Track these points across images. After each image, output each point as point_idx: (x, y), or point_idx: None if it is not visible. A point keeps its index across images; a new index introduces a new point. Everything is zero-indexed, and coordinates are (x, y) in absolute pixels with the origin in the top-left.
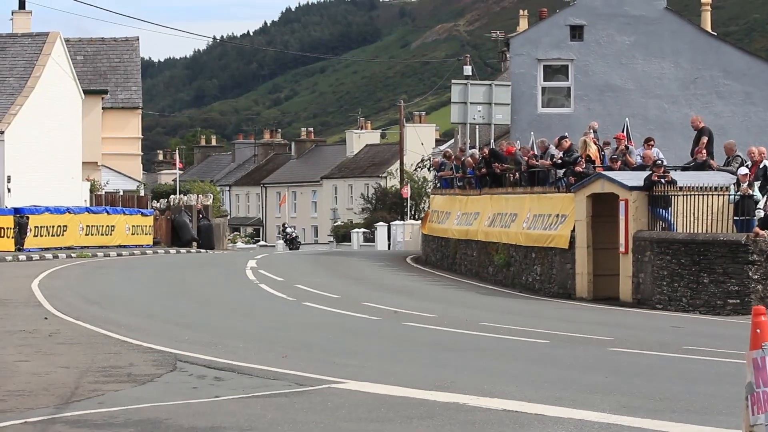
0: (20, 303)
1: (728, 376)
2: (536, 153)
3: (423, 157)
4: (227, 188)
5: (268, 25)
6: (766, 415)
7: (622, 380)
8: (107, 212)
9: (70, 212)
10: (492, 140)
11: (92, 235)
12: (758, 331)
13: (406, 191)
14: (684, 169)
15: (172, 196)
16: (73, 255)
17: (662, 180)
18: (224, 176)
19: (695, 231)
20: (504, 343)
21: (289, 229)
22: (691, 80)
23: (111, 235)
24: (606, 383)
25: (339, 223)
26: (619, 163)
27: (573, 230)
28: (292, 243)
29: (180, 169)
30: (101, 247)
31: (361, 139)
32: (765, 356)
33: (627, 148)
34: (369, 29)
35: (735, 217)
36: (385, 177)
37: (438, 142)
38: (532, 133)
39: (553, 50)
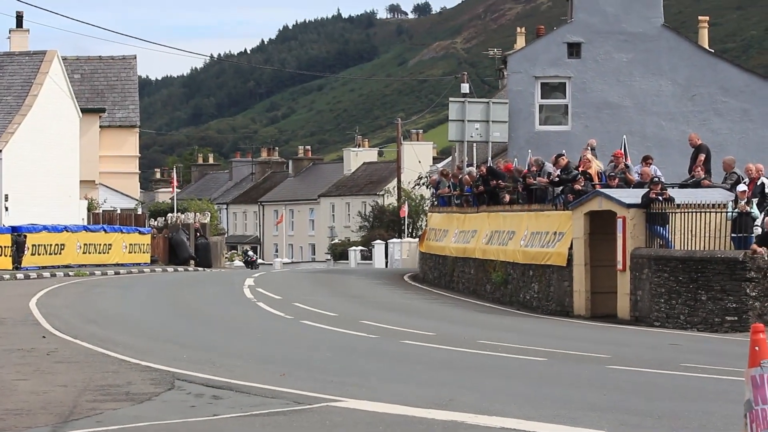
0: (18, 321)
1: (726, 394)
2: (531, 171)
3: (420, 174)
4: (225, 206)
5: (266, 43)
6: None
7: (620, 398)
8: (105, 231)
9: (67, 231)
10: (489, 158)
11: (90, 253)
12: (757, 348)
13: (404, 210)
14: (682, 186)
15: (169, 215)
16: (70, 273)
17: (660, 197)
18: (222, 194)
19: (693, 248)
20: (502, 361)
21: (250, 253)
22: (689, 97)
23: (108, 253)
24: (604, 401)
25: (336, 241)
26: (616, 180)
27: (570, 248)
28: (251, 265)
29: (177, 187)
30: (99, 265)
31: (358, 157)
32: (764, 374)
33: (627, 166)
34: (366, 47)
35: (733, 234)
36: (383, 195)
37: (435, 160)
38: (530, 150)
39: (550, 68)
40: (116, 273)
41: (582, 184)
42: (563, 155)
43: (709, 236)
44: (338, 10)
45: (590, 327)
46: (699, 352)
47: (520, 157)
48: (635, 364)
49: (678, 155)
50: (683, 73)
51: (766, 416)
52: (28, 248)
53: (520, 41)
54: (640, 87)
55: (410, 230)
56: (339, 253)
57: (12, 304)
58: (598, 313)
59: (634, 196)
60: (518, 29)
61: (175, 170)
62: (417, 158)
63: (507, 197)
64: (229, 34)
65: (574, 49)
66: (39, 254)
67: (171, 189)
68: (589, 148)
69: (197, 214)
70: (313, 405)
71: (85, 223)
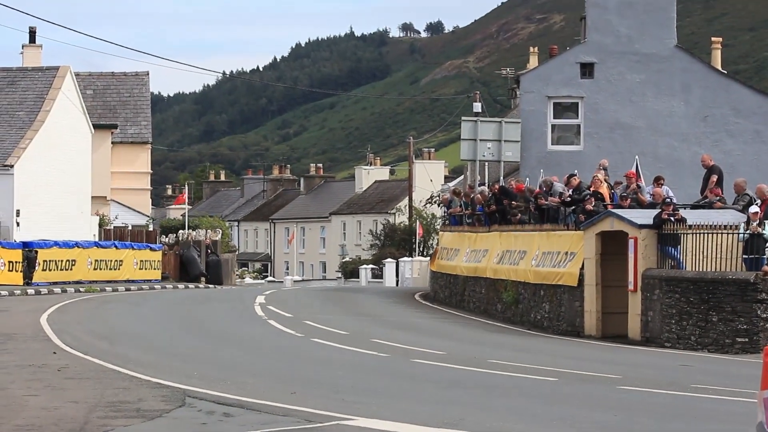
0: (29, 337)
1: (738, 416)
2: (542, 190)
3: (432, 193)
4: (236, 224)
5: (278, 60)
6: None
7: (631, 419)
8: (116, 247)
9: (78, 246)
10: (501, 177)
11: (101, 269)
12: None
13: (421, 230)
14: (694, 207)
15: (180, 231)
16: (81, 289)
17: (672, 218)
18: (233, 211)
19: (704, 269)
20: (512, 381)
21: None
22: (702, 118)
23: (119, 269)
24: (615, 422)
25: (347, 259)
26: (628, 201)
27: (582, 268)
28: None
29: (186, 203)
30: (109, 281)
31: (370, 175)
32: None
33: (639, 186)
34: (378, 65)
35: (744, 256)
36: (394, 213)
37: (447, 179)
38: (542, 170)
39: (563, 88)
40: (127, 289)
41: (592, 204)
42: (575, 175)
43: (721, 257)
44: (351, 28)
45: (601, 347)
46: (710, 374)
47: (532, 176)
48: (646, 384)
49: (690, 176)
50: (696, 94)
51: None
52: (39, 264)
53: (533, 61)
54: (652, 108)
55: (421, 249)
56: (350, 271)
57: (23, 320)
58: (609, 334)
59: (646, 216)
60: (531, 49)
61: (186, 187)
62: (429, 177)
63: (517, 216)
64: (242, 51)
65: (586, 70)
66: (50, 270)
67: (177, 202)
68: (601, 168)
69: (208, 231)
70: (324, 423)
71: (97, 239)
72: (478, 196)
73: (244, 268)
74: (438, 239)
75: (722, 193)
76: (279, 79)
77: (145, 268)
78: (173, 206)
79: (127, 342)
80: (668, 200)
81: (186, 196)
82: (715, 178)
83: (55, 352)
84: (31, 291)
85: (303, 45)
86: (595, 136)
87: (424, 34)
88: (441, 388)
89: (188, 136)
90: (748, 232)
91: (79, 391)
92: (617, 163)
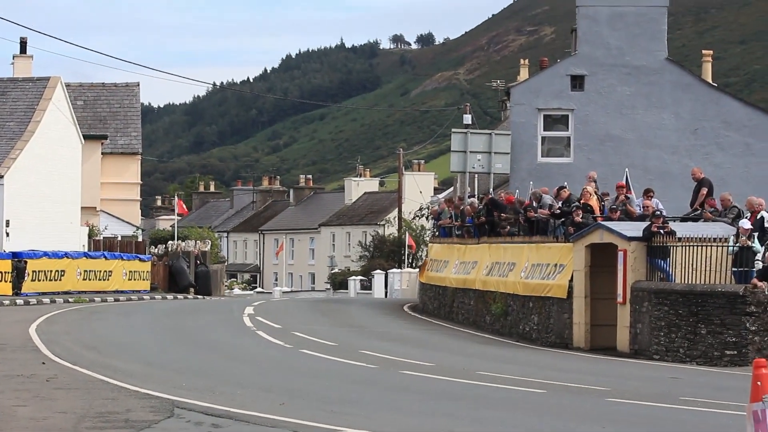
0: (17, 347)
1: (727, 428)
2: (532, 202)
3: (422, 205)
4: (225, 234)
5: (268, 71)
6: None
7: (619, 431)
8: (105, 257)
9: (68, 257)
10: (491, 189)
11: (90, 280)
12: (759, 383)
13: (413, 244)
14: (683, 219)
15: (170, 242)
16: (70, 300)
17: (661, 231)
18: (222, 222)
19: (693, 282)
20: (501, 393)
21: None
22: (692, 131)
23: (108, 280)
24: None
25: (336, 270)
26: (618, 213)
27: (571, 280)
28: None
29: (179, 214)
30: (98, 292)
31: (359, 186)
32: (765, 408)
33: (627, 198)
34: (369, 77)
35: (734, 268)
36: (383, 225)
37: (437, 191)
38: (531, 182)
39: (553, 100)
40: (116, 300)
41: (580, 216)
42: (565, 187)
43: (710, 270)
44: (341, 39)
45: (589, 359)
46: (698, 386)
47: (521, 188)
48: (634, 397)
49: (680, 189)
50: (686, 107)
51: None
52: (28, 274)
53: (524, 73)
54: (642, 120)
55: (410, 260)
56: (339, 282)
57: (12, 330)
58: (598, 346)
59: (635, 229)
60: (521, 61)
61: (176, 197)
62: (418, 189)
63: (507, 228)
64: (232, 63)
65: (577, 82)
66: (39, 280)
67: (181, 211)
68: (591, 180)
69: (198, 241)
70: None
71: (86, 250)
72: (468, 207)
73: (233, 279)
74: (427, 251)
75: (711, 206)
76: (269, 90)
77: (135, 279)
78: (165, 217)
79: (115, 352)
80: (658, 213)
81: (183, 207)
82: (705, 190)
83: (43, 363)
84: (20, 301)
85: (293, 56)
86: (585, 148)
87: (414, 46)
88: (429, 400)
89: (178, 147)
90: (737, 244)
91: (68, 402)
92: (607, 176)
